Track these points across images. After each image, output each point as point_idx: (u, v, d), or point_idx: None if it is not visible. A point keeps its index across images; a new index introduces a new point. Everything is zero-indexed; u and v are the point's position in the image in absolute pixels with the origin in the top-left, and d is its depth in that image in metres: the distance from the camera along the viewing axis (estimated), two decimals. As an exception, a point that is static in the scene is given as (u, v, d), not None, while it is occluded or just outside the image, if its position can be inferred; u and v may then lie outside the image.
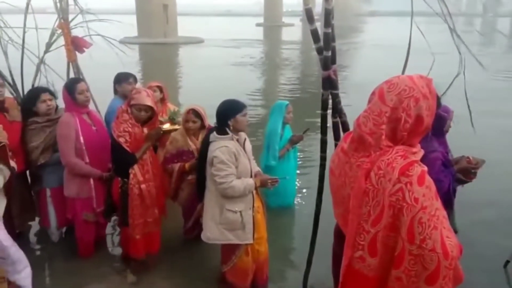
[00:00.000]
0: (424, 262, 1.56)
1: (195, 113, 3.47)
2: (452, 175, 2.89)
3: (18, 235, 3.70)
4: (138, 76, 10.90)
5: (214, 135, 2.92)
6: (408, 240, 1.57)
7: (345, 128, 2.62)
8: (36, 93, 3.50)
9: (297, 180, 4.85)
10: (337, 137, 2.61)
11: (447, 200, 2.80)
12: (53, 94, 3.53)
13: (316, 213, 2.80)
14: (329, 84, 2.55)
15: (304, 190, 4.93)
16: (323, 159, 2.70)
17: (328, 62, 2.49)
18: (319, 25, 2.55)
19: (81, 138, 3.29)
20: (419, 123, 1.64)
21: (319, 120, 2.72)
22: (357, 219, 1.70)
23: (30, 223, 3.95)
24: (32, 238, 3.97)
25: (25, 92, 4.30)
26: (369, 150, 1.70)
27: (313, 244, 2.90)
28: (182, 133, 3.56)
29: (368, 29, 37.87)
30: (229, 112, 2.88)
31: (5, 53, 4.37)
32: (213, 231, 2.94)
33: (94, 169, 3.34)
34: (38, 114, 3.45)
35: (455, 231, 3.15)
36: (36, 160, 3.41)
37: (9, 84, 4.05)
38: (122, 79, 4.01)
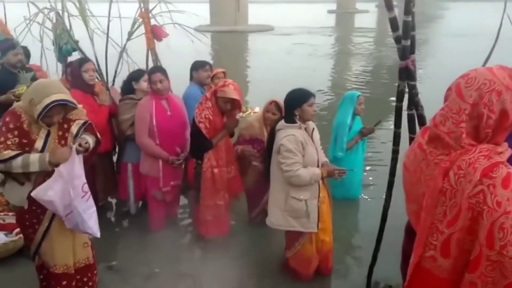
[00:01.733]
0: (504, 269, 1.47)
1: (277, 106, 3.51)
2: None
3: (101, 207, 4.05)
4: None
5: (282, 123, 2.96)
6: (487, 245, 1.48)
7: (421, 122, 2.51)
8: (143, 72, 3.83)
9: (364, 172, 4.73)
10: (412, 131, 2.51)
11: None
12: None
13: (385, 208, 2.73)
14: (406, 74, 2.45)
15: (372, 183, 4.80)
16: (395, 152, 2.62)
17: (406, 51, 2.40)
18: (397, 12, 2.45)
19: (154, 121, 3.49)
20: (504, 117, 1.54)
21: (392, 111, 2.63)
22: (430, 218, 1.64)
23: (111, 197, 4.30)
24: (113, 210, 4.34)
25: (106, 77, 4.65)
26: (448, 149, 1.62)
27: (379, 240, 2.84)
28: (259, 121, 3.63)
29: (450, 16, 35.36)
30: (295, 101, 2.90)
31: (92, 41, 4.71)
32: (277, 217, 3.00)
33: (162, 151, 3.53)
34: (135, 92, 3.76)
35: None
36: (125, 131, 3.70)
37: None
38: (198, 66, 4.17)
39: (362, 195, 4.52)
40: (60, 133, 2.52)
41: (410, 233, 1.94)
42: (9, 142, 2.35)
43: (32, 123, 2.42)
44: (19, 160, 2.36)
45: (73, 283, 2.68)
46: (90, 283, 2.79)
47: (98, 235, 2.61)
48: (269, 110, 3.55)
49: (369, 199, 4.48)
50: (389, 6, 2.42)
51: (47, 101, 2.32)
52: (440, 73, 10.31)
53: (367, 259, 3.00)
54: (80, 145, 2.44)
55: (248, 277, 3.24)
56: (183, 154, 3.62)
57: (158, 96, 3.57)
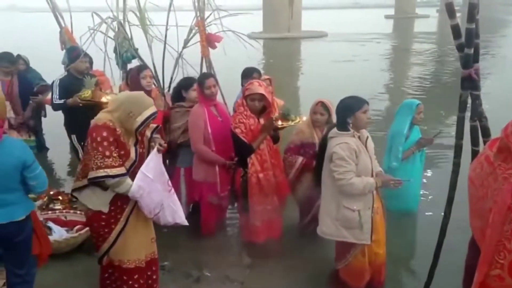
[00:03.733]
0: None
1: (324, 106, 3.49)
2: None
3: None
4: (261, 70, 11.21)
5: (334, 131, 2.91)
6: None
7: (485, 134, 2.36)
8: (192, 81, 3.87)
9: (422, 185, 4.50)
10: (474, 143, 2.37)
11: None
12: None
13: (444, 223, 2.60)
14: (469, 84, 2.33)
15: (430, 196, 4.57)
16: (456, 165, 2.48)
17: (469, 60, 2.27)
18: (460, 17, 2.33)
19: (209, 128, 3.55)
20: None
21: (452, 122, 2.50)
22: (497, 236, 1.54)
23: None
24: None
25: (163, 83, 4.82)
26: (518, 163, 1.51)
27: (437, 256, 2.70)
28: (309, 125, 3.60)
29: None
30: (348, 109, 2.83)
31: (150, 48, 4.91)
32: (328, 226, 2.94)
33: (219, 156, 3.58)
34: (185, 100, 3.83)
35: None
36: (177, 138, 3.80)
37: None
38: (248, 74, 4.20)
39: (419, 208, 4.31)
40: (139, 137, 2.72)
41: (474, 248, 1.85)
42: (115, 155, 2.53)
43: (125, 134, 2.60)
44: (129, 183, 2.56)
45: (145, 276, 2.84)
46: (154, 276, 2.94)
47: (187, 223, 2.85)
48: (316, 111, 3.52)
49: (426, 213, 4.25)
50: (450, 13, 2.30)
51: (147, 113, 2.55)
52: (504, 81, 9.70)
53: (423, 275, 2.87)
54: (160, 145, 2.70)
55: (296, 287, 3.19)
56: (237, 158, 3.65)
57: (208, 102, 3.63)
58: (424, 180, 4.66)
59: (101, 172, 2.49)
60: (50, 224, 3.62)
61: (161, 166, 2.72)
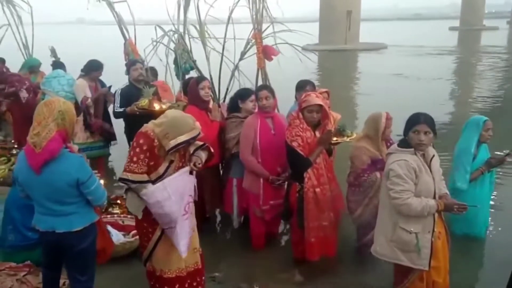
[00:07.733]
0: None
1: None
2: None
3: (207, 219, 4.26)
4: (316, 83, 11.06)
5: (394, 147, 2.79)
6: None
7: None
8: (249, 92, 3.88)
9: (492, 208, 4.15)
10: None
11: None
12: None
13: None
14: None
15: (500, 221, 4.20)
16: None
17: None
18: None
19: (258, 139, 3.55)
20: None
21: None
22: None
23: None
24: (217, 222, 4.50)
25: (218, 94, 4.87)
26: None
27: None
28: (371, 141, 3.44)
29: None
30: (406, 126, 2.71)
31: (208, 60, 5.01)
32: (383, 247, 2.80)
33: (263, 169, 3.56)
34: (240, 110, 3.85)
35: None
36: (231, 148, 3.82)
37: (208, 87, 4.62)
38: (301, 86, 4.15)
39: (488, 233, 3.97)
40: (182, 152, 2.75)
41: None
42: (141, 162, 2.61)
43: (162, 148, 2.65)
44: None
45: (186, 286, 2.84)
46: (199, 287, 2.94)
47: (183, 255, 2.77)
48: (388, 126, 3.40)
49: (496, 239, 3.92)
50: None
51: (180, 139, 2.59)
52: None
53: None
54: (194, 164, 2.71)
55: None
56: (284, 174, 3.60)
57: (264, 114, 3.62)
58: (493, 203, 4.29)
59: (124, 175, 2.61)
60: (108, 227, 3.74)
61: (185, 188, 2.71)
